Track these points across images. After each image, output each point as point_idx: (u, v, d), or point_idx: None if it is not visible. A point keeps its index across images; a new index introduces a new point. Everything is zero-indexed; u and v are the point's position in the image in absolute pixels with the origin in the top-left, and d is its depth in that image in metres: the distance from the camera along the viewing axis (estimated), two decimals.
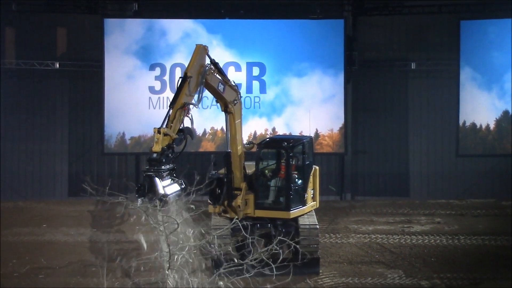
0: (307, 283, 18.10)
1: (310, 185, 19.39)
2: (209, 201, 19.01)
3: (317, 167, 19.95)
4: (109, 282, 18.05)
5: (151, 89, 27.26)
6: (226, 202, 18.63)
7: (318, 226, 18.94)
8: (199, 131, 27.19)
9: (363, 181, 28.88)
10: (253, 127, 27.40)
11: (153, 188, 15.01)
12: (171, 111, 15.92)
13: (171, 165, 15.55)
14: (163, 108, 26.79)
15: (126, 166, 28.79)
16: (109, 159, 28.59)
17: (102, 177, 28.43)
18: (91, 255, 20.33)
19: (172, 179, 15.45)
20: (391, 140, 28.76)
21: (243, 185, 18.64)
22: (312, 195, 19.51)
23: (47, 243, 21.77)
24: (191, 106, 16.29)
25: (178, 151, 15.97)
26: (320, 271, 18.83)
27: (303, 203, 19.04)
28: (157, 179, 15.07)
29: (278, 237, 15.84)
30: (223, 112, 18.16)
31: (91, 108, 28.56)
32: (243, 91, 26.71)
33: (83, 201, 26.89)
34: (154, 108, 27.11)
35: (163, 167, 15.28)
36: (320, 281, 18.32)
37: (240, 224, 16.37)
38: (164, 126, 15.70)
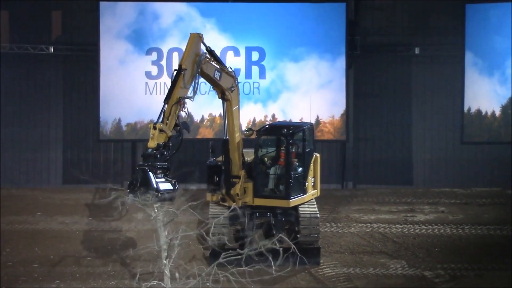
0: (307, 273, 18.11)
1: (311, 173, 19.39)
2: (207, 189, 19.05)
3: (318, 155, 19.94)
4: (104, 272, 18.07)
5: (148, 74, 27.16)
6: (224, 190, 18.63)
7: (318, 215, 18.97)
8: (196, 118, 27.13)
9: (365, 169, 28.84)
10: (252, 113, 27.33)
11: (146, 181, 15.03)
12: (166, 106, 15.94)
13: (165, 164, 15.56)
14: (160, 94, 26.71)
15: (122, 153, 28.72)
16: (104, 146, 28.52)
17: (97, 164, 28.42)
18: (86, 244, 20.33)
19: (165, 179, 15.46)
20: (394, 127, 28.70)
21: (242, 173, 18.66)
22: (312, 183, 19.52)
23: (41, 231, 21.77)
24: (186, 99, 16.34)
25: (174, 149, 16.01)
26: (321, 261, 18.85)
27: (304, 191, 19.05)
28: (150, 173, 15.11)
29: (279, 235, 15.82)
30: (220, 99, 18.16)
31: (86, 94, 28.47)
32: (241, 76, 26.62)
33: (78, 188, 26.87)
34: (151, 94, 27.02)
35: (157, 163, 15.30)
36: (321, 272, 18.35)
37: (239, 212, 16.38)
38: (160, 121, 15.75)
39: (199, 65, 16.72)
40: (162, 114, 16.00)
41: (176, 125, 16.09)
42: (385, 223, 22.48)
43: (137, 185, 15.17)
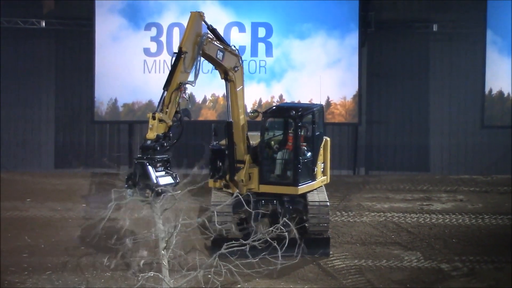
0: (316, 265, 18.13)
1: (320, 158, 19.40)
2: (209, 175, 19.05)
3: (328, 139, 19.93)
4: (99, 262, 18.09)
5: (147, 51, 27.12)
6: (227, 176, 18.63)
7: (328, 203, 18.97)
8: (198, 98, 27.12)
9: (379, 154, 28.82)
10: (258, 94, 27.31)
11: (145, 176, 15.03)
12: (165, 93, 15.93)
13: (165, 156, 15.56)
14: (159, 72, 26.69)
15: (118, 136, 28.72)
16: (99, 127, 28.53)
17: (92, 148, 28.43)
18: (79, 233, 20.34)
19: (166, 172, 15.46)
20: (410, 109, 28.64)
21: (247, 158, 18.67)
22: (322, 169, 19.53)
23: (31, 219, 21.81)
24: (187, 85, 16.32)
25: (175, 139, 16.01)
26: (331, 252, 18.88)
27: (313, 177, 19.07)
28: (150, 167, 15.09)
29: (284, 218, 15.83)
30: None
31: (80, 72, 28.43)
32: (247, 54, 26.57)
33: (71, 173, 26.90)
34: (150, 72, 26.99)
35: (157, 155, 15.28)
36: (330, 263, 18.37)
37: (242, 200, 16.37)
38: (159, 110, 15.73)
39: (201, 46, 16.70)
40: (161, 102, 15.96)
41: (176, 112, 16.06)
42: (399, 212, 22.48)
43: (136, 180, 15.15)
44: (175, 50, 16.59)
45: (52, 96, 28.68)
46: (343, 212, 22.44)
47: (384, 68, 28.69)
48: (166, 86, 16.05)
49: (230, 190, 18.75)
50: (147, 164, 15.20)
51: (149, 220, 16.47)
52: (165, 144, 15.61)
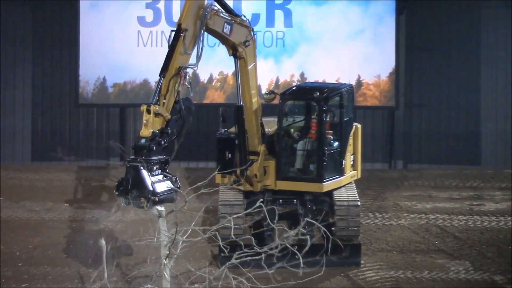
0: (344, 277, 18.20)
1: (350, 148, 19.43)
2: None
3: (359, 125, 19.97)
4: (84, 273, 18.20)
5: (141, 21, 27.18)
6: (238, 171, 18.67)
7: (359, 203, 19.02)
8: (203, 77, 27.17)
9: (419, 144, 28.83)
10: (275, 72, 27.35)
11: (139, 182, 15.02)
12: (162, 81, 15.83)
13: (163, 157, 15.54)
14: (156, 46, 26.77)
15: (108, 121, 28.79)
16: (85, 111, 28.61)
17: (76, 136, 28.49)
18: (62, 238, 20.47)
19: (164, 175, 15.48)
20: (458, 91, 28.63)
21: (261, 149, 18.71)
22: (352, 162, 19.56)
23: (4, 221, 21.91)
24: (188, 69, 16.27)
25: (175, 134, 16.00)
26: (362, 261, 18.92)
27: (340, 172, 19.13)
28: (144, 172, 15.07)
29: (306, 219, 15.86)
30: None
31: (61, 45, 28.51)
32: (261, 24, 26.63)
33: (51, 166, 27.00)
34: (145, 46, 27.06)
35: (153, 157, 15.28)
36: (361, 275, 18.43)
37: (257, 198, 16.42)
38: (155, 102, 15.64)
39: (204, 21, 16.60)
40: (158, 91, 15.85)
41: (175, 102, 16.00)
42: (444, 214, 22.53)
43: (128, 186, 15.15)
44: (175, 18, 16.56)
45: (28, 74, 28.75)
46: (377, 214, 22.51)
47: (427, 40, 28.67)
48: (163, 72, 15.87)
49: (241, 187, 18.81)
50: (141, 167, 15.16)
51: (144, 223, 16.52)
52: (163, 142, 15.54)
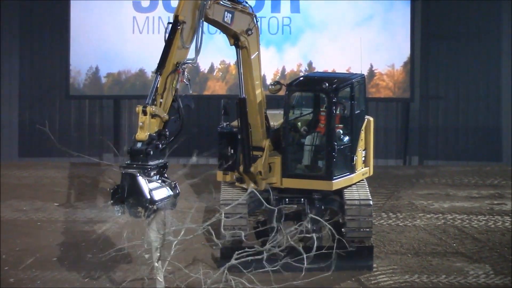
0: (355, 281, 18.22)
1: (361, 143, 19.42)
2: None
3: (372, 119, 19.97)
4: (76, 278, 18.22)
5: (136, 6, 27.22)
6: (241, 167, 18.68)
7: (371, 202, 19.01)
8: (203, 67, 27.18)
9: (436, 139, 28.86)
10: (281, 61, 27.36)
11: (135, 190, 14.99)
12: (159, 78, 15.77)
13: (161, 161, 15.51)
14: (152, 33, 26.79)
15: (101, 114, 28.84)
16: (76, 104, 28.65)
17: (66, 130, 28.50)
18: (52, 240, 20.48)
19: (162, 180, 15.47)
20: (477, 82, 28.66)
21: (266, 144, 18.69)
22: (363, 158, 19.56)
23: None
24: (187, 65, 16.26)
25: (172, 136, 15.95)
26: (374, 265, 18.92)
27: (351, 169, 19.12)
28: (141, 179, 15.04)
29: (311, 215, 15.86)
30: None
31: (51, 33, 28.55)
32: (265, 10, 26.63)
33: (39, 163, 27.01)
34: (141, 33, 27.09)
35: (150, 162, 15.25)
36: (374, 279, 18.43)
37: (261, 197, 16.44)
38: (151, 102, 15.58)
39: (203, 11, 16.55)
40: (154, 90, 15.80)
41: (173, 101, 15.96)
42: (463, 214, 22.54)
43: (124, 194, 15.12)
44: (174, 4, 16.52)
45: (15, 63, 28.81)
46: (391, 214, 22.52)
47: (444, 28, 28.69)
48: (160, 69, 15.77)
49: (244, 185, 18.80)
50: (138, 174, 15.12)
51: (139, 224, 16.53)
52: (160, 145, 15.48)
